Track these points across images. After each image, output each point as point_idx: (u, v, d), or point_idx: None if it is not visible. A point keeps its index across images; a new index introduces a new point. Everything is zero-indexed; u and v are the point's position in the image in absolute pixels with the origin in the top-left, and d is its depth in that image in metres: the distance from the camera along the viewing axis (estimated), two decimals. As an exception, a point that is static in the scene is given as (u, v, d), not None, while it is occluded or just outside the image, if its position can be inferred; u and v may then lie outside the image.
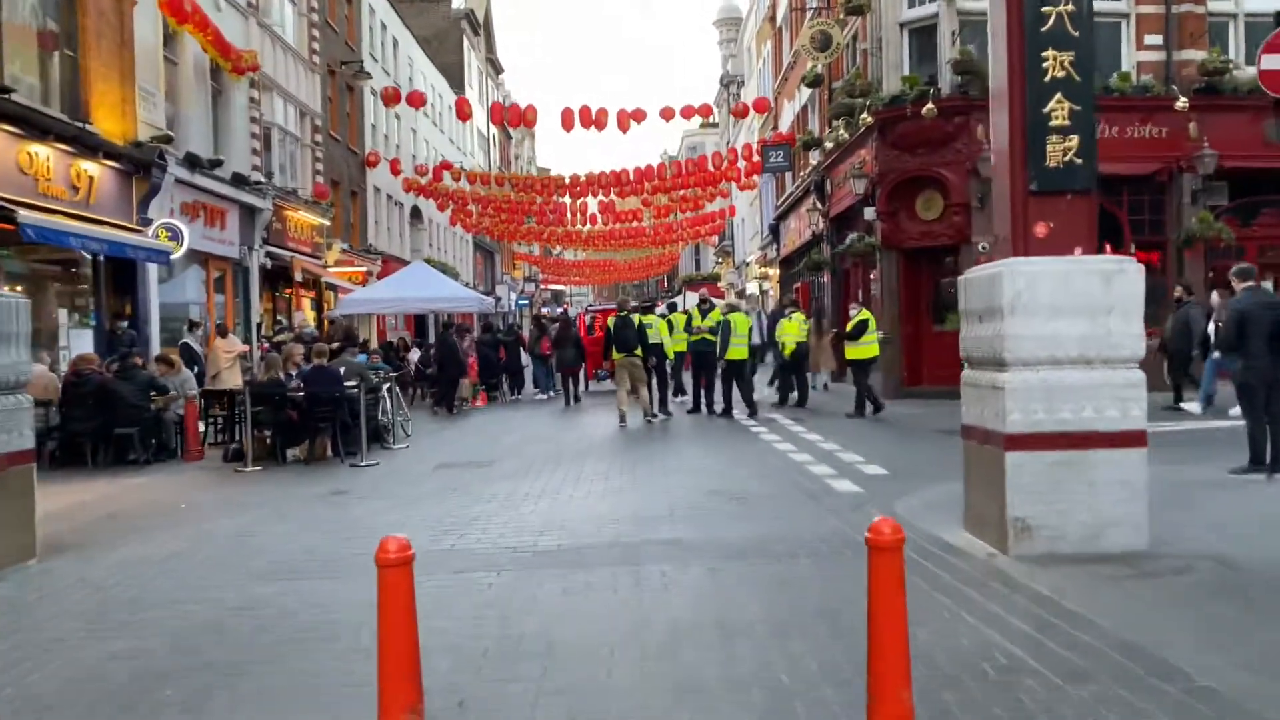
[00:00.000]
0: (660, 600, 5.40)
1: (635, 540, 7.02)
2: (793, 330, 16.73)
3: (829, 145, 20.60)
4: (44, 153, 13.10)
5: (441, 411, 18.14)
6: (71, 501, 9.44)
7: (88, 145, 13.97)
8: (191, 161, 17.12)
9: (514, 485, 9.56)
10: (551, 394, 21.36)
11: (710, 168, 28.61)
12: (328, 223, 25.16)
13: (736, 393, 15.61)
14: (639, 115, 22.63)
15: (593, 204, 34.13)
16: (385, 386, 13.88)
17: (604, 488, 9.31)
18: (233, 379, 15.12)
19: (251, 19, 20.64)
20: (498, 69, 58.87)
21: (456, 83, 46.65)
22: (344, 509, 8.65)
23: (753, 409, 15.56)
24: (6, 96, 12.13)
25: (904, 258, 17.81)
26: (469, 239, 47.23)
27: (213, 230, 18.38)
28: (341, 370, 12.27)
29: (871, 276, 19.41)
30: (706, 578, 5.84)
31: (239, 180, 19.23)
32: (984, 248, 15.16)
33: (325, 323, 17.02)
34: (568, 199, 31.17)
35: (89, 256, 14.52)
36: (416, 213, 36.90)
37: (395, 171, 29.15)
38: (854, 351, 15.29)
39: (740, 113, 25.09)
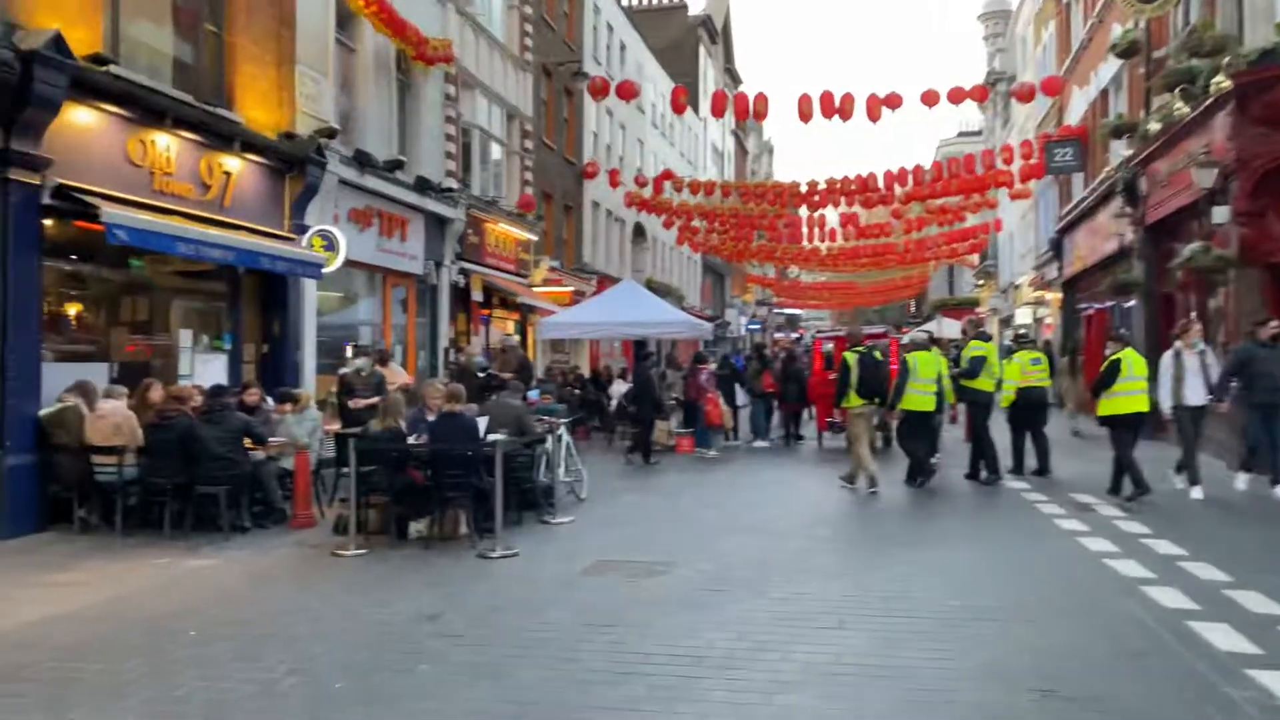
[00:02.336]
0: None
1: None
2: (1012, 374, 12.43)
3: (1151, 129, 15.66)
4: (163, 141, 10.91)
5: (636, 461, 14.82)
6: (83, 599, 6.73)
7: (220, 134, 11.74)
8: (362, 161, 14.80)
9: (690, 625, 5.94)
10: (771, 441, 17.65)
11: (979, 169, 23.90)
12: (535, 238, 22.69)
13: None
14: (894, 101, 18.50)
15: (833, 217, 30.23)
16: (555, 436, 10.70)
17: (836, 652, 5.50)
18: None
19: (450, 6, 18.37)
20: (736, 80, 55.86)
21: (691, 94, 43.97)
22: (402, 674, 5.34)
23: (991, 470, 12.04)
24: (105, 70, 9.93)
25: (1274, 276, 12.76)
26: (697, 259, 44.28)
27: (390, 241, 16.05)
28: (483, 420, 9.13)
29: (1212, 301, 14.34)
30: None
31: (424, 185, 16.86)
32: None
33: (498, 351, 14.25)
34: (804, 211, 27.40)
35: (240, 269, 12.30)
36: (640, 230, 34.24)
37: (614, 183, 26.36)
38: (1106, 406, 10.66)
39: (1025, 95, 20.38)
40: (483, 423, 9.02)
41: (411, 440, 8.93)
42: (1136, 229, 17.51)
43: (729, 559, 7.99)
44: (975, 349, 12.40)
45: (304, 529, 9.43)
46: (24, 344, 9.07)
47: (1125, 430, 10.56)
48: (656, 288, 31.56)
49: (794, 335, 54.50)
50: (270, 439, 9.77)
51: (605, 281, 28.06)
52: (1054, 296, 28.06)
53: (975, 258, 44.27)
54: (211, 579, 7.47)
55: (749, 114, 18.73)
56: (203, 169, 11.57)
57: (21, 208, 8.98)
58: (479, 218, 19.55)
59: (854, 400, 11.50)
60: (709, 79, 48.24)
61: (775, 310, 66.08)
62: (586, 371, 22.48)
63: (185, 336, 11.76)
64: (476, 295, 18.40)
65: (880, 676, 5.09)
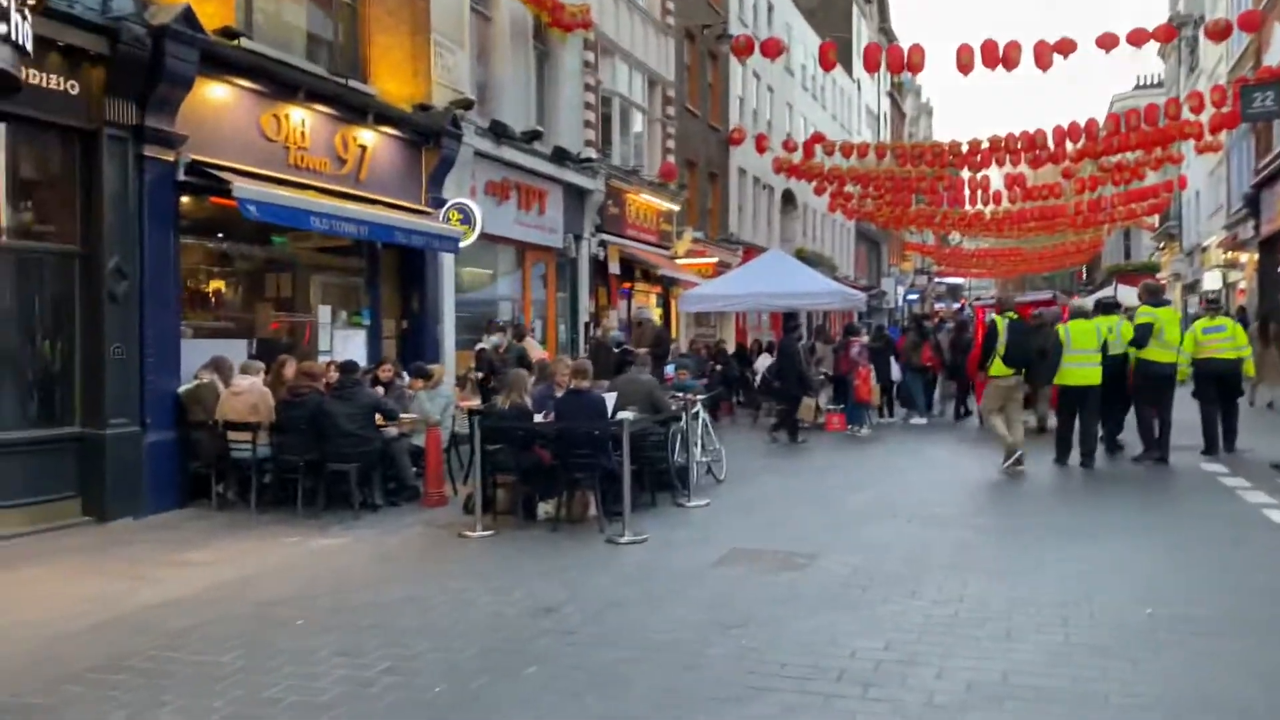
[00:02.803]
0: None
1: None
2: (1186, 344, 11.37)
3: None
4: (297, 116, 10.84)
5: (781, 439, 14.07)
6: (206, 579, 6.61)
7: (353, 107, 11.61)
8: (498, 132, 14.52)
9: (831, 629, 5.25)
10: (929, 418, 16.55)
11: (1161, 121, 21.73)
12: (678, 208, 22.09)
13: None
14: (1065, 47, 16.91)
15: (997, 179, 28.34)
16: (691, 414, 10.11)
17: (1002, 670, 4.69)
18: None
19: (587, -30, 17.86)
20: (892, 39, 53.44)
21: (844, 57, 42.24)
22: (507, 678, 4.87)
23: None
24: (236, 44, 9.88)
25: None
26: (850, 227, 42.71)
27: (528, 214, 15.76)
28: (610, 397, 8.63)
29: None
30: None
31: (561, 156, 16.49)
32: None
33: (634, 325, 13.75)
34: (965, 172, 25.78)
35: (378, 244, 12.23)
36: (789, 197, 33.12)
37: (761, 149, 25.39)
38: None
39: (1218, 33, 18.30)
40: (610, 399, 8.51)
41: (539, 418, 8.52)
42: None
43: (877, 551, 7.21)
44: (1144, 315, 11.11)
45: (436, 507, 9.19)
46: (162, 321, 9.13)
47: None
48: (807, 257, 30.45)
49: (955, 305, 51.87)
50: (402, 415, 9.57)
51: (752, 252, 27.20)
52: (1249, 258, 25.43)
53: (1154, 219, 40.95)
54: (333, 561, 7.26)
55: (903, 66, 17.51)
56: (337, 143, 11.48)
57: (156, 184, 9.01)
58: (619, 188, 19.09)
59: (999, 368, 10.57)
60: (862, 39, 46.27)
61: (936, 279, 63.41)
62: (731, 346, 21.76)
63: (324, 313, 11.75)
64: (614, 268, 17.96)
65: (1058, 701, 4.28)
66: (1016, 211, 32.34)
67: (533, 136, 15.61)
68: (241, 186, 9.25)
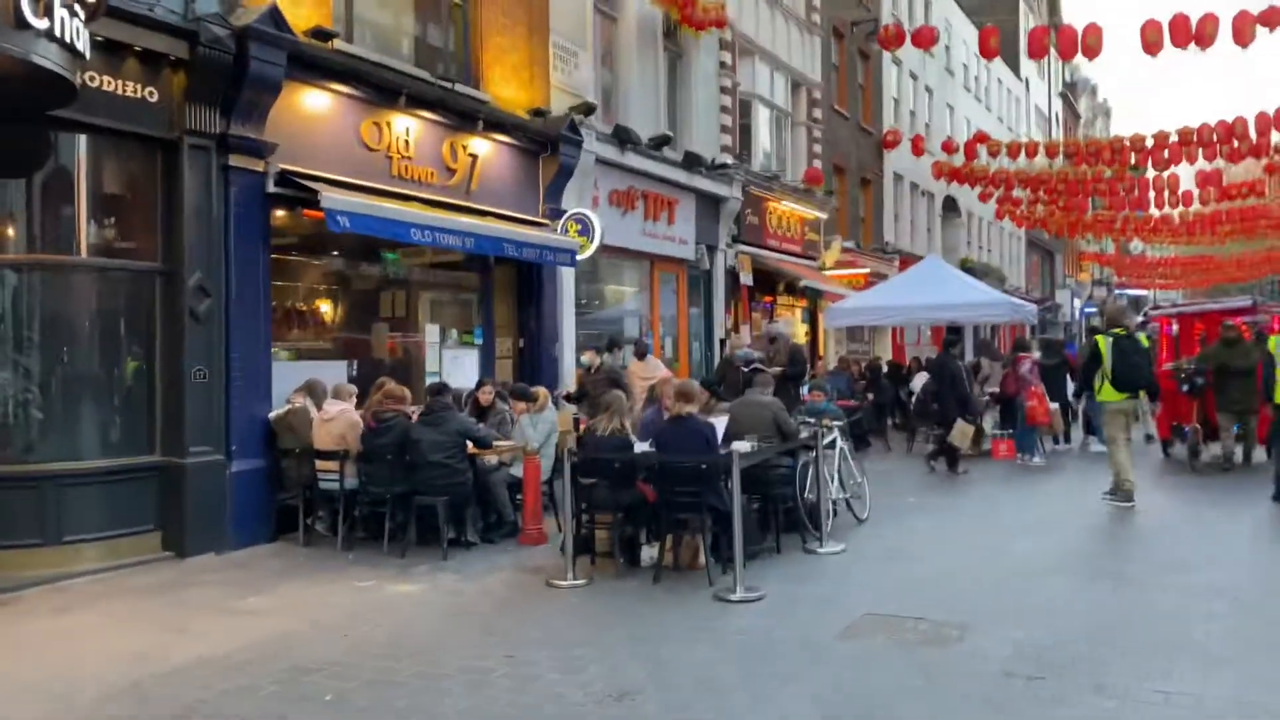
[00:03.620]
0: None
1: None
2: None
3: None
4: (401, 123, 10.19)
5: (939, 468, 12.49)
6: (250, 635, 5.82)
7: (463, 114, 10.89)
8: (622, 138, 13.59)
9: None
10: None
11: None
12: (825, 216, 20.65)
13: None
14: (1273, 18, 14.71)
15: (1186, 178, 25.50)
16: (826, 442, 8.81)
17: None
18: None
19: (722, -35, 16.82)
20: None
21: (1010, 53, 39.62)
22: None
23: None
24: (330, 45, 9.29)
25: None
26: (1020, 236, 39.86)
27: (656, 224, 14.76)
28: (720, 422, 7.45)
29: None
30: None
31: (693, 162, 15.43)
32: None
33: (766, 340, 12.48)
34: (1150, 171, 23.19)
35: (490, 259, 11.52)
36: (951, 204, 30.98)
37: (918, 151, 23.74)
38: None
39: None
40: (720, 425, 7.34)
41: (641, 447, 7.43)
42: None
43: (1049, 620, 5.75)
44: None
45: (534, 545, 8.23)
46: (250, 342, 8.55)
47: None
48: (973, 268, 28.34)
49: (1139, 319, 47.83)
50: (498, 443, 8.68)
51: (909, 263, 25.39)
52: None
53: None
54: (400, 613, 6.36)
55: (1077, 51, 15.60)
56: (445, 152, 10.79)
57: (243, 196, 8.46)
58: (759, 196, 17.87)
59: (1109, 393, 9.61)
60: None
61: (1116, 291, 58.90)
62: (887, 365, 20.08)
63: (433, 332, 11.04)
64: (746, 278, 16.70)
65: None
66: (1210, 214, 29.19)
67: (662, 142, 14.62)
68: (331, 196, 8.59)
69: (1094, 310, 54.41)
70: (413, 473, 8.03)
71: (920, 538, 8.44)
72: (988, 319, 18.32)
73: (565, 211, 12.34)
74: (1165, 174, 23.52)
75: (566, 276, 12.55)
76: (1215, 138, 20.05)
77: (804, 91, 20.35)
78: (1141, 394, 10.00)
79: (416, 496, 8.03)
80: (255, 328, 8.66)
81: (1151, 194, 24.84)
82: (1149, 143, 20.88)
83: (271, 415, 8.75)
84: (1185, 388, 12.24)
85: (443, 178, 10.75)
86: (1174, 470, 12.30)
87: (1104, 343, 9.75)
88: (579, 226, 12.19)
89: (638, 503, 7.29)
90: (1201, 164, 22.54)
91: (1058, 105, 48.97)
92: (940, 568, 7.24)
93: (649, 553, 7.40)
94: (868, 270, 21.21)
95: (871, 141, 24.56)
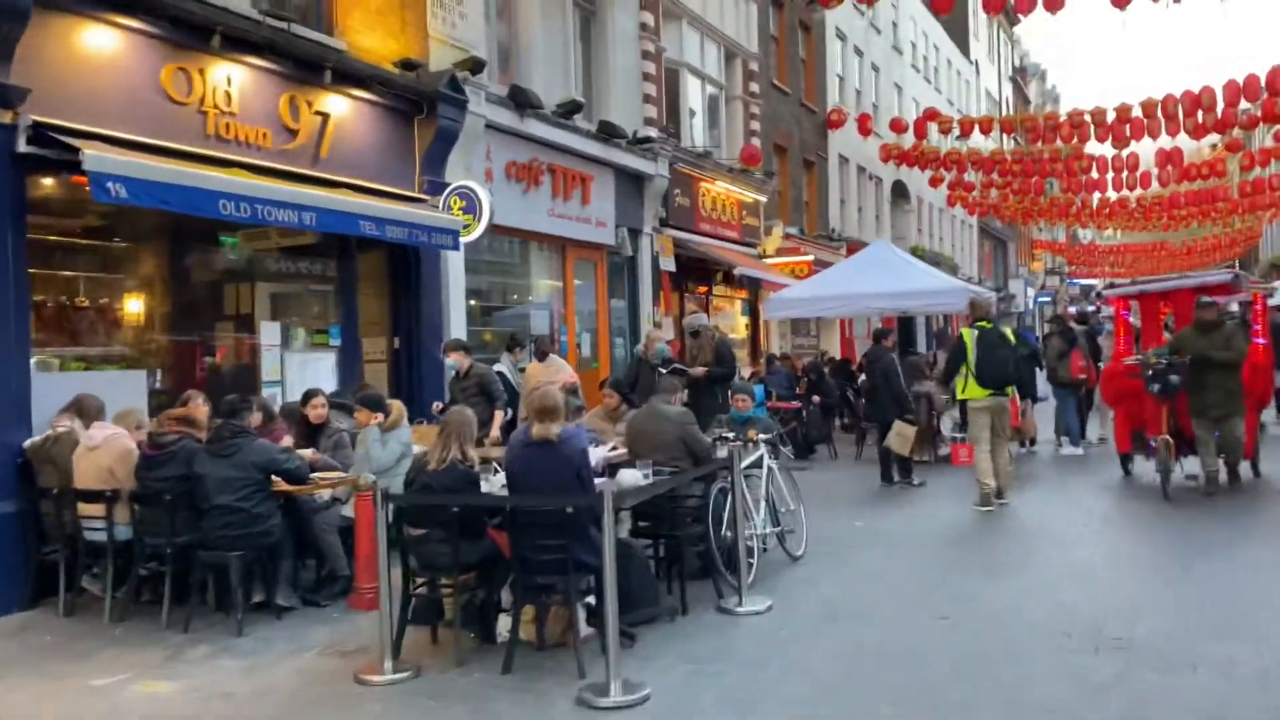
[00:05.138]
0: None
1: None
2: None
3: None
4: (223, 71, 8.16)
5: (897, 480, 10.71)
6: None
7: (305, 62, 8.86)
8: (520, 101, 11.62)
9: None
10: (1083, 447, 12.90)
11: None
12: (764, 199, 18.85)
13: None
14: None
15: (1146, 155, 24.09)
16: (749, 463, 6.99)
17: None
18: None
19: (642, -85, 14.93)
20: (1013, 19, 48.83)
21: (959, 34, 38.25)
22: None
23: None
24: (111, -33, 7.24)
25: None
26: (973, 224, 38.51)
27: (568, 204, 12.82)
28: (598, 451, 5.55)
29: None
30: None
31: (610, 133, 13.51)
32: None
33: (688, 335, 10.60)
34: (1109, 149, 21.64)
35: (354, 241, 9.55)
36: (900, 189, 29.40)
37: (865, 130, 22.12)
38: None
39: None
40: (597, 453, 5.46)
41: (489, 485, 5.51)
42: None
43: (1058, 738, 3.91)
44: None
45: (369, 610, 6.24)
46: (-6, 348, 6.49)
47: None
48: (924, 256, 26.73)
49: (1090, 308, 46.54)
50: (326, 474, 6.71)
51: (857, 250, 23.68)
52: None
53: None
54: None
55: (1034, 4, 13.90)
56: (283, 109, 8.75)
57: (-24, 157, 6.40)
58: (690, 175, 16.01)
59: (973, 390, 9.11)
60: (979, 18, 42.07)
61: (1069, 280, 58.06)
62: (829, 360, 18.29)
63: (271, 331, 9.00)
64: (667, 264, 14.81)
65: None
66: (1169, 196, 27.92)
67: (572, 110, 12.67)
68: (97, 156, 6.53)
69: (1048, 300, 53.46)
70: (201, 518, 6.03)
71: (870, 583, 6.59)
72: (943, 308, 16.67)
73: (448, 185, 10.37)
74: (1124, 154, 22.11)
75: (453, 263, 10.57)
76: (1180, 110, 18.60)
77: (739, 63, 18.52)
78: (1011, 390, 9.47)
79: (202, 551, 6.02)
80: (6, 332, 6.60)
81: (1110, 175, 23.37)
82: (1111, 115, 19.39)
83: (27, 444, 6.69)
84: (1155, 387, 9.27)
85: (281, 140, 8.72)
86: (1140, 495, 9.52)
87: (969, 336, 9.27)
88: (463, 203, 10.22)
89: (489, 558, 5.36)
90: (1164, 141, 21.14)
91: (1008, 90, 47.81)
92: (898, 637, 5.40)
93: (505, 623, 5.46)
94: (812, 258, 19.44)
95: (815, 121, 22.84)
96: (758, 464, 7.21)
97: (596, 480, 5.54)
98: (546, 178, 12.33)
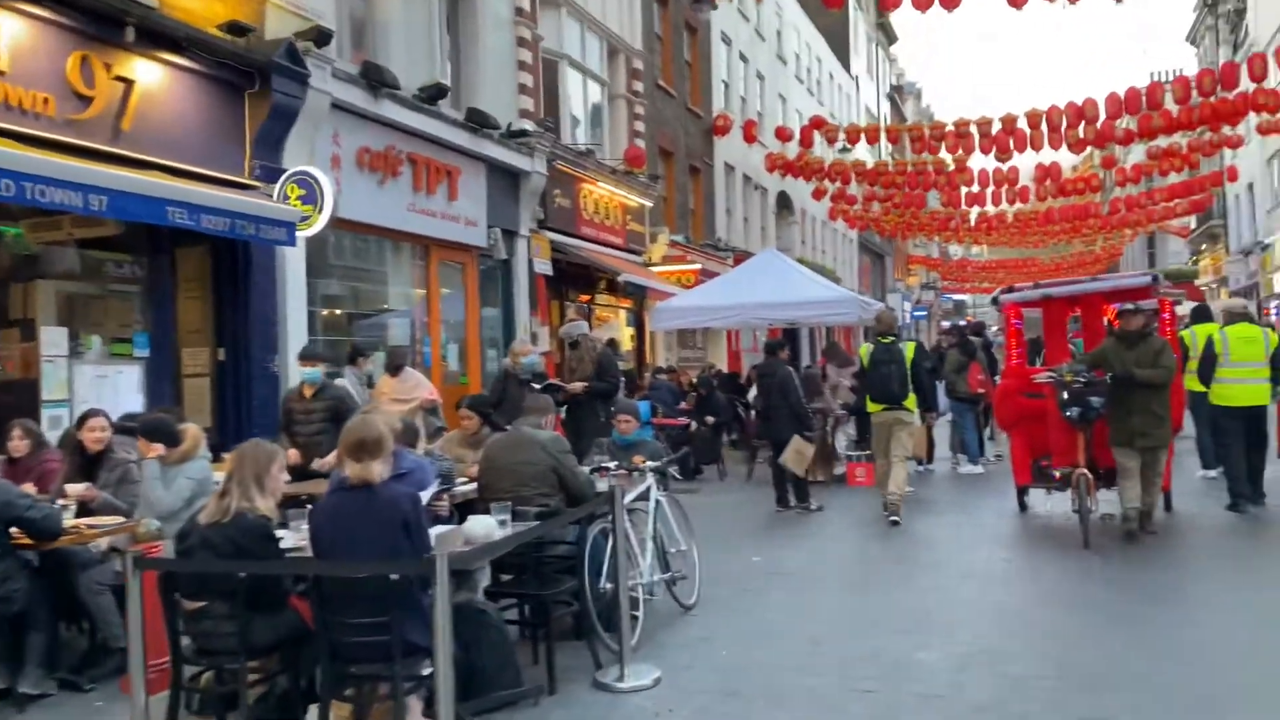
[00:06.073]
0: None
1: None
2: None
3: None
4: (-16, 20, 6.61)
5: (794, 505, 9.76)
6: None
7: (100, 16, 7.36)
8: (374, 79, 10.27)
9: None
10: (983, 465, 12.30)
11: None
12: (649, 204, 17.86)
13: None
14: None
15: (1026, 169, 24.15)
16: (634, 497, 5.89)
17: None
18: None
19: (516, -109, 13.74)
20: (891, 37, 49.62)
21: (840, 48, 38.26)
22: None
23: None
24: None
25: None
26: (853, 237, 38.54)
27: (432, 199, 11.49)
28: (426, 494, 4.35)
29: None
30: None
31: (480, 123, 12.25)
32: None
33: (565, 346, 9.40)
34: (991, 162, 21.41)
35: (163, 235, 8.03)
36: (785, 201, 28.92)
37: (750, 137, 21.29)
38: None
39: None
40: (426, 495, 4.24)
41: (293, 539, 4.23)
42: None
43: None
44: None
45: (150, 695, 4.83)
46: None
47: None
48: (810, 269, 26.23)
49: (962, 322, 47.10)
50: (97, 520, 5.27)
51: (744, 260, 22.96)
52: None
53: (1190, 220, 36.73)
54: None
55: None
56: (72, 71, 7.22)
57: None
58: (571, 174, 14.87)
59: (869, 403, 9.36)
60: (860, 33, 42.36)
61: (943, 295, 59.29)
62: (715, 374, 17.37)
63: (56, 339, 7.42)
64: (542, 266, 13.60)
65: None
66: (1044, 211, 28.22)
67: (436, 94, 11.36)
68: None
69: (923, 315, 54.27)
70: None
71: (776, 643, 5.52)
72: (834, 319, 15.91)
73: (284, 171, 8.94)
74: (1005, 166, 22.03)
75: (291, 262, 9.14)
76: (1064, 121, 18.46)
77: (622, 59, 17.51)
78: (909, 404, 9.14)
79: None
80: None
81: (990, 189, 23.26)
82: (996, 127, 19.14)
83: None
84: (1074, 411, 7.69)
85: (69, 108, 7.20)
86: (1048, 540, 8.07)
87: (864, 351, 9.49)
88: (302, 191, 8.80)
89: (293, 636, 4.06)
90: (1044, 156, 21.11)
91: (886, 107, 48.38)
92: (811, 715, 4.33)
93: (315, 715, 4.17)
94: (699, 267, 18.54)
95: (701, 127, 22.02)
96: (644, 496, 6.09)
97: (437, 531, 4.31)
98: (406, 168, 10.99)
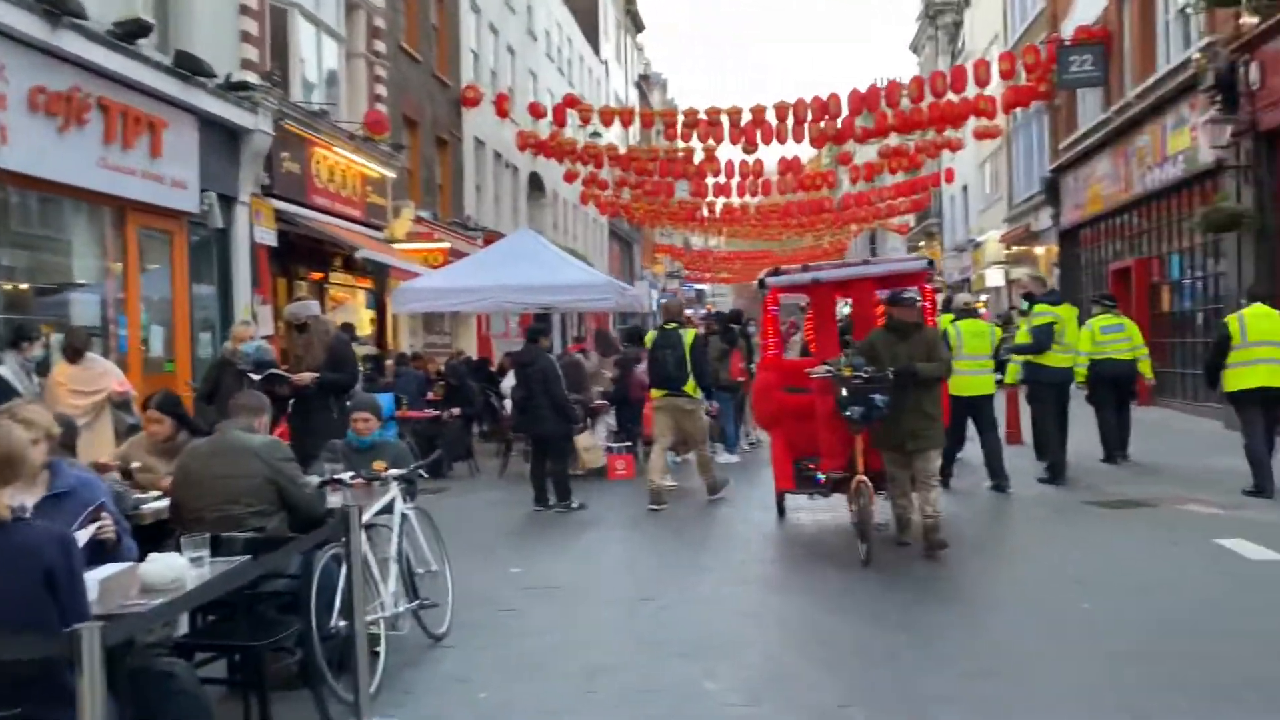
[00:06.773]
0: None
1: None
2: (1083, 344, 10.02)
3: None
4: None
5: (553, 504, 9.03)
6: None
7: None
8: (53, 6, 8.46)
9: None
10: (738, 453, 12.19)
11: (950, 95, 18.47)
12: (393, 175, 16.51)
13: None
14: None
15: (770, 162, 24.76)
16: (376, 510, 4.91)
17: None
18: (96, 450, 6.49)
19: None
20: (638, 25, 50.01)
21: (590, 31, 37.94)
22: None
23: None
24: None
25: None
26: (604, 223, 38.49)
27: (129, 154, 9.72)
28: (86, 532, 3.23)
29: None
30: None
31: (192, 69, 10.58)
32: None
33: (292, 329, 8.14)
34: (739, 153, 21.64)
35: None
36: (537, 182, 28.18)
37: (501, 113, 20.32)
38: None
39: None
40: (85, 535, 3.12)
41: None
42: (1245, 138, 12.42)
43: None
44: (1043, 315, 9.52)
45: None
46: None
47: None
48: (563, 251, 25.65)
49: (702, 312, 48.12)
50: None
51: (495, 240, 21.96)
52: (1045, 250, 23.19)
53: (910, 219, 39.53)
54: None
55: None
56: None
57: None
58: (302, 136, 13.33)
59: (654, 392, 9.42)
60: (609, 18, 42.32)
61: (685, 284, 60.80)
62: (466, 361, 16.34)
63: None
64: (264, 236, 12.05)
65: None
66: (784, 205, 29.20)
67: (136, 32, 9.61)
68: None
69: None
70: None
71: (541, 675, 4.73)
72: (592, 305, 15.32)
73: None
74: (752, 159, 22.42)
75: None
76: (810, 114, 18.86)
77: (363, 15, 16.04)
78: (689, 390, 9.07)
79: None
80: None
81: (736, 180, 23.60)
82: (747, 115, 19.27)
83: None
84: (855, 411, 6.67)
85: None
86: (819, 543, 7.56)
87: (649, 338, 9.71)
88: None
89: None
90: (787, 150, 21.65)
91: (634, 95, 48.74)
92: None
93: None
94: (447, 245, 17.39)
95: (448, 96, 20.77)
96: (388, 509, 5.11)
97: (101, 574, 3.17)
98: (96, 115, 9.19)
